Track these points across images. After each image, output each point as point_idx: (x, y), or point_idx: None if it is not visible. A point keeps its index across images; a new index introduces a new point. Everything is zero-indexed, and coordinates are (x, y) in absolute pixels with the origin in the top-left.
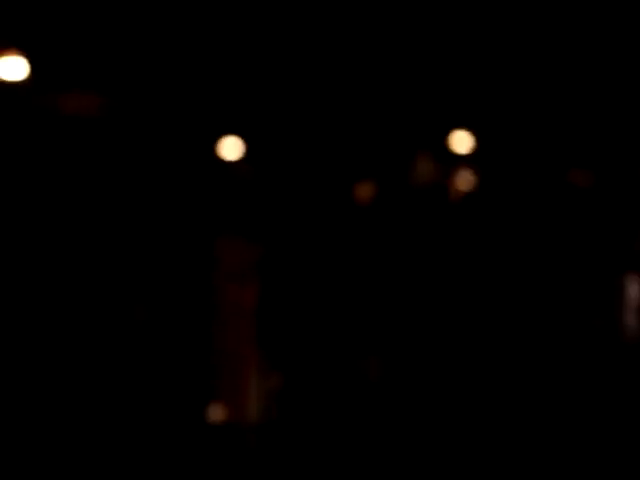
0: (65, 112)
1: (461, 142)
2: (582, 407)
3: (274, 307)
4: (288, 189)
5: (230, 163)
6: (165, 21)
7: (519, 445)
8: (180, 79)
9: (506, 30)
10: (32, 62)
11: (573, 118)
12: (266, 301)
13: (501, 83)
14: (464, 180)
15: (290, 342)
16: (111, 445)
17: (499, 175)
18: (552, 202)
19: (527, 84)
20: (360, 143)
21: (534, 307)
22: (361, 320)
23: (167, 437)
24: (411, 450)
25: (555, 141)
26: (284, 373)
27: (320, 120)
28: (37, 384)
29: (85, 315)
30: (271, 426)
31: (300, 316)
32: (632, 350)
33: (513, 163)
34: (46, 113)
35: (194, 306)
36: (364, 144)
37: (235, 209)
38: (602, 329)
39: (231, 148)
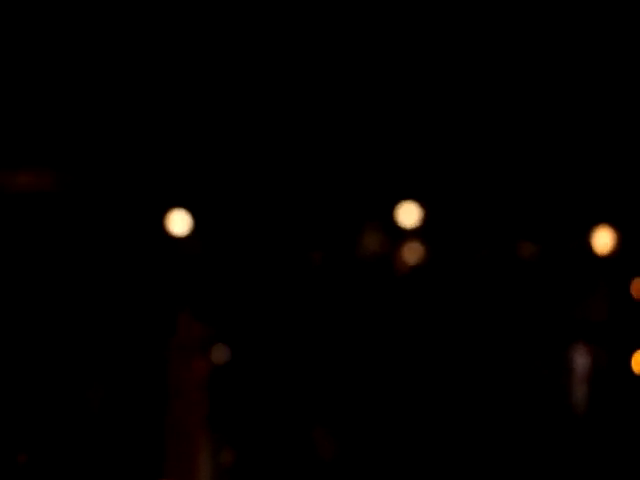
0: (17, 189)
1: (409, 214)
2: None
3: (226, 382)
4: (236, 262)
5: (178, 238)
6: (109, 94)
7: None
8: (129, 153)
9: (452, 108)
10: None
11: (519, 192)
12: (218, 376)
13: (449, 156)
14: (412, 252)
15: (242, 417)
16: None
17: (447, 247)
18: (499, 274)
19: (475, 157)
20: (309, 214)
21: (482, 379)
22: (312, 393)
23: None
24: None
25: (502, 213)
26: (235, 448)
27: (267, 192)
28: None
29: (37, 388)
30: None
31: (251, 391)
32: (581, 421)
33: (461, 235)
34: None
35: (146, 381)
36: (313, 215)
37: (185, 284)
38: (551, 401)
39: (179, 223)
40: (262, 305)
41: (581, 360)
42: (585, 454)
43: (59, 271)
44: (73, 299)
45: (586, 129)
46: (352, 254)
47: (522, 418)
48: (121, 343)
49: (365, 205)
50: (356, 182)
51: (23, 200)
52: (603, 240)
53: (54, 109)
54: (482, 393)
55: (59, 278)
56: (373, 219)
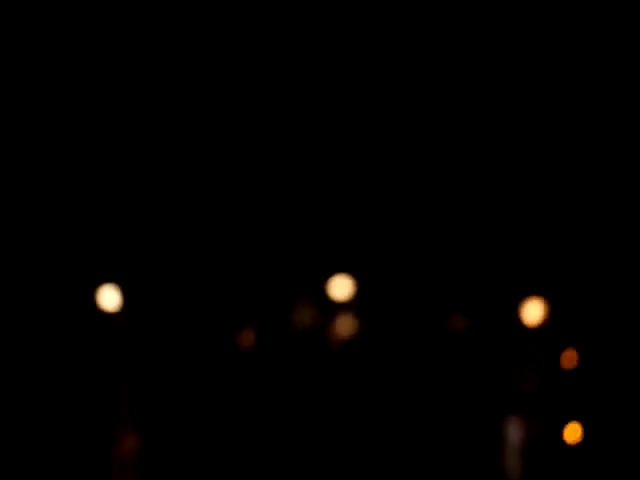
0: None
1: (341, 288)
2: None
3: (155, 460)
4: (167, 337)
5: (108, 313)
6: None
7: None
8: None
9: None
10: None
11: (450, 265)
12: (147, 454)
13: (379, 229)
14: (344, 326)
15: None
16: None
17: (379, 321)
18: (431, 346)
19: (404, 231)
20: (240, 289)
21: (416, 451)
22: (245, 470)
23: None
24: None
25: (432, 286)
26: None
27: (198, 267)
28: None
29: None
30: None
31: (182, 469)
32: None
33: (392, 309)
34: None
35: (80, 458)
36: (244, 290)
37: (113, 358)
38: (485, 473)
39: (109, 298)
40: (194, 378)
41: (514, 431)
42: None
43: None
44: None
45: (513, 199)
46: (285, 329)
47: None
48: (55, 421)
49: (297, 280)
50: (287, 257)
51: None
52: (533, 312)
53: None
54: (415, 466)
55: None
56: (305, 294)
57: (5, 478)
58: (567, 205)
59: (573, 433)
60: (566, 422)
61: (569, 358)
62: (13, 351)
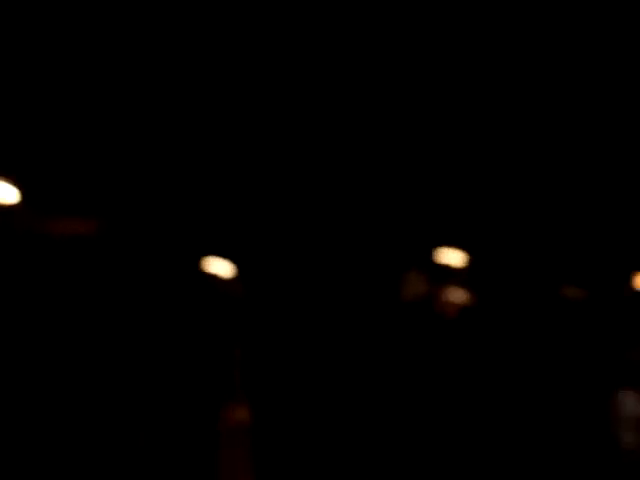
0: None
1: (453, 258)
2: None
3: (268, 426)
4: (282, 309)
5: (220, 281)
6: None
7: None
8: (166, 201)
9: (491, 149)
10: (24, 187)
11: (564, 234)
12: (260, 420)
13: (492, 199)
14: (457, 296)
15: (286, 462)
16: None
17: (492, 290)
18: (546, 317)
19: (520, 200)
20: (355, 259)
21: (530, 422)
22: (350, 436)
23: None
24: None
25: (547, 256)
26: None
27: (313, 238)
28: None
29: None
30: None
31: (294, 435)
32: (629, 467)
33: (506, 278)
34: (37, 237)
35: (193, 425)
36: (359, 260)
37: (227, 329)
38: (599, 446)
39: (220, 267)
40: (308, 350)
41: (630, 405)
42: None
43: (100, 314)
44: (116, 342)
45: (613, 175)
46: (397, 297)
47: (569, 462)
48: (171, 387)
49: (409, 249)
50: (400, 227)
51: (67, 245)
52: None
53: (93, 157)
54: (528, 435)
55: (100, 320)
56: (418, 263)
57: (119, 438)
58: None
59: None
60: None
61: None
62: (123, 317)
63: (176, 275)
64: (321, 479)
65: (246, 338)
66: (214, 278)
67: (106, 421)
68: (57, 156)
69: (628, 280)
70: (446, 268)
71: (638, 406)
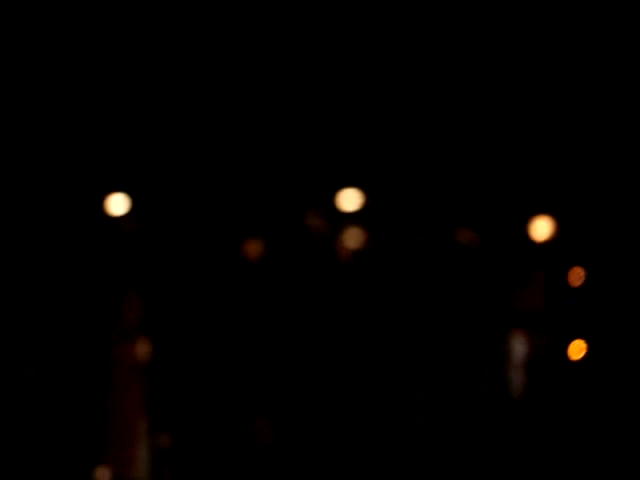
0: None
1: (350, 200)
2: (470, 468)
3: (163, 365)
4: (177, 246)
5: (117, 218)
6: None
7: None
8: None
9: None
10: None
11: (459, 178)
12: (156, 359)
13: (389, 142)
14: (353, 237)
15: (179, 402)
16: None
17: (387, 233)
18: (438, 261)
19: (416, 144)
20: (250, 200)
21: (420, 367)
22: (250, 379)
23: None
24: None
25: (441, 200)
26: (173, 433)
27: (209, 177)
28: None
29: None
30: None
31: (190, 375)
32: (518, 408)
33: (401, 221)
34: None
35: (86, 363)
36: (254, 201)
37: (124, 265)
38: (488, 388)
39: (118, 203)
40: (203, 288)
41: (519, 348)
42: (522, 441)
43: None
44: (17, 282)
45: (528, 120)
46: (294, 240)
47: (461, 406)
48: (63, 325)
49: (307, 192)
50: (298, 168)
51: None
52: (541, 228)
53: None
54: (420, 381)
55: (4, 262)
56: (315, 205)
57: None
58: (577, 125)
59: (577, 350)
60: (570, 339)
61: (576, 275)
62: (27, 256)
63: (73, 212)
64: (215, 418)
65: (142, 276)
66: (110, 215)
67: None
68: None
69: (522, 226)
70: (343, 210)
71: (526, 348)
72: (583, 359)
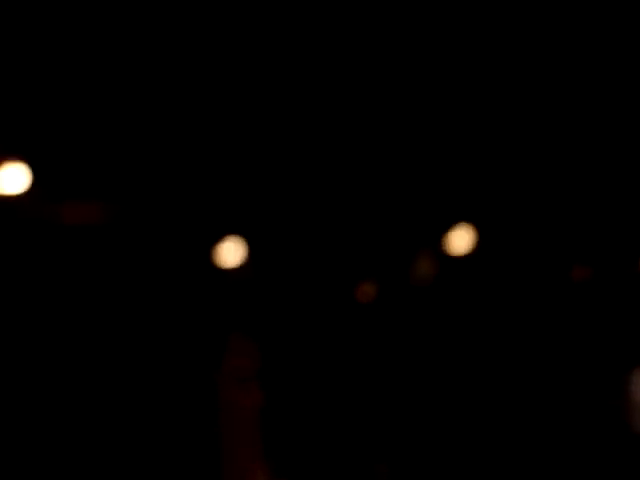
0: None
1: (461, 240)
2: None
3: (279, 410)
4: (289, 291)
5: (230, 268)
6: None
7: None
8: (177, 186)
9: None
10: (34, 172)
11: (572, 217)
12: (271, 404)
13: (501, 181)
14: (465, 277)
15: (297, 446)
16: None
17: (500, 272)
18: (554, 299)
19: (528, 180)
20: (360, 243)
21: (543, 403)
22: (368, 424)
23: None
24: None
25: (555, 238)
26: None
27: (320, 221)
28: None
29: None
30: None
31: (306, 420)
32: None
33: (514, 259)
34: (47, 223)
35: (198, 408)
36: (364, 244)
37: (238, 312)
38: (609, 427)
39: (231, 252)
40: (316, 332)
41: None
42: None
43: (110, 300)
44: (124, 327)
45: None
46: (406, 281)
47: (579, 442)
48: (172, 370)
49: (417, 232)
50: (408, 210)
51: (72, 232)
52: None
53: (101, 142)
54: (541, 417)
55: (110, 307)
56: (425, 246)
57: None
58: None
59: None
60: None
61: None
62: (134, 302)
63: (184, 261)
64: (335, 465)
65: (254, 323)
66: (223, 263)
67: (108, 408)
68: (65, 142)
69: (636, 261)
70: (454, 250)
71: None
72: None
